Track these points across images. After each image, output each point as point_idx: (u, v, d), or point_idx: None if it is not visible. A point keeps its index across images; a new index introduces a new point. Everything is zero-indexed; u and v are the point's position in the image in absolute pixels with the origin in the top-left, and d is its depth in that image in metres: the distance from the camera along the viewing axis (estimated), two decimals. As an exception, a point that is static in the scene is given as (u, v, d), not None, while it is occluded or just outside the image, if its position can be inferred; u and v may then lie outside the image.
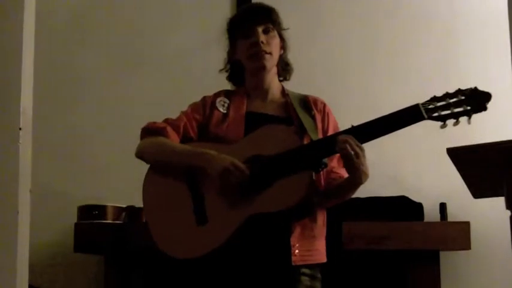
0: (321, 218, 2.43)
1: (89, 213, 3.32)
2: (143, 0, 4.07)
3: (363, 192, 3.34)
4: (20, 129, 1.83)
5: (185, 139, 2.46)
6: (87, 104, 3.94)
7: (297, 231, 2.32)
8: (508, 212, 2.49)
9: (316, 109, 2.53)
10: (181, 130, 2.46)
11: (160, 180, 2.41)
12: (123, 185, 3.75)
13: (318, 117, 2.50)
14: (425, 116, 2.18)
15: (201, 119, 2.49)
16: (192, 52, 3.98)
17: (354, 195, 3.22)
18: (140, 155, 2.47)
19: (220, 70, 2.66)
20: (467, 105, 2.15)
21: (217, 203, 2.27)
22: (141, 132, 2.51)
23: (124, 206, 3.35)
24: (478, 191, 2.88)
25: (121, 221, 3.29)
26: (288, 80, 2.63)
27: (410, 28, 4.01)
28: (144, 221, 3.34)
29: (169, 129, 2.45)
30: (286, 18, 3.95)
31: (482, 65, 3.90)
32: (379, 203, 3.42)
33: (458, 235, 3.20)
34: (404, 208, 3.37)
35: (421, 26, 4.01)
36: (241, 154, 2.29)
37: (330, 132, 2.48)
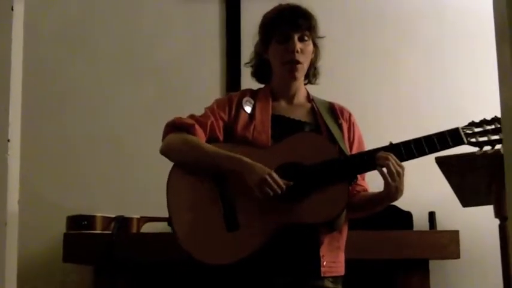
0: (345, 230, 2.44)
1: (78, 223, 3.30)
2: (134, 10, 4.06)
3: (352, 201, 3.37)
4: (9, 140, 1.82)
5: (211, 138, 2.41)
6: (76, 114, 3.93)
7: (325, 243, 2.31)
8: (497, 221, 2.50)
9: (343, 118, 2.52)
10: (208, 129, 2.40)
11: (188, 181, 2.35)
12: (113, 195, 3.75)
13: (345, 127, 2.49)
14: (465, 141, 2.21)
15: (227, 119, 2.44)
16: (184, 61, 3.97)
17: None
18: (167, 151, 2.40)
19: (245, 64, 2.62)
20: None
21: (250, 209, 2.24)
22: (167, 127, 2.44)
23: (113, 216, 3.34)
24: (467, 199, 2.89)
25: (110, 231, 3.27)
26: (313, 83, 2.61)
27: (399, 38, 4.02)
28: (134, 231, 3.34)
29: (197, 127, 2.38)
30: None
31: (469, 76, 3.92)
32: (369, 212, 3.42)
33: (448, 244, 3.21)
34: (394, 217, 3.37)
35: (410, 36, 4.02)
36: (275, 160, 2.27)
37: (355, 143, 2.49)
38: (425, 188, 3.68)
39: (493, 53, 1.75)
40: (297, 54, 2.40)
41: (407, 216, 3.40)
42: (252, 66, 2.60)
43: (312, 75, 2.57)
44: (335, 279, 2.35)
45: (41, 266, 3.67)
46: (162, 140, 2.44)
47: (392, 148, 2.24)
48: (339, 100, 3.95)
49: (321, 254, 2.28)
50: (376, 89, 3.95)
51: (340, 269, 2.39)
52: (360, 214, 2.46)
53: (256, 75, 2.60)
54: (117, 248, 3.16)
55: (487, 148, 2.21)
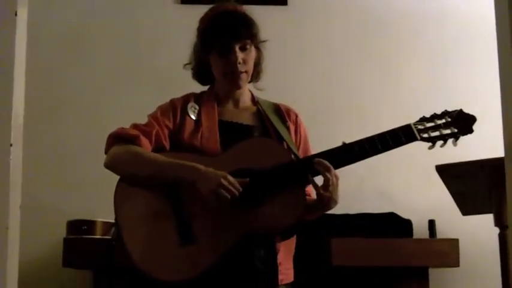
0: (295, 236, 2.35)
1: (78, 228, 3.31)
2: (134, 16, 4.08)
3: (352, 208, 3.38)
4: (11, 145, 1.82)
5: (157, 148, 2.28)
6: (77, 118, 3.94)
7: (281, 249, 2.24)
8: (497, 229, 2.51)
9: (290, 120, 2.43)
10: (153, 138, 2.28)
11: (137, 195, 2.22)
12: (113, 200, 3.74)
13: (292, 129, 2.41)
14: (418, 138, 2.18)
15: (172, 126, 2.33)
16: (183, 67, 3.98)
17: (343, 212, 3.24)
18: (112, 164, 2.29)
19: (185, 65, 2.49)
20: (455, 128, 2.17)
21: (205, 220, 2.13)
22: (110, 138, 2.32)
23: (113, 221, 3.33)
24: (467, 208, 2.90)
25: (110, 236, 3.27)
26: (255, 82, 2.48)
27: (400, 44, 4.04)
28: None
29: (142, 137, 2.26)
30: (275, 30, 3.98)
31: (470, 82, 3.94)
32: (368, 219, 3.43)
33: (447, 252, 3.21)
34: (393, 225, 3.38)
35: (411, 42, 4.04)
36: (227, 167, 2.16)
37: (301, 145, 2.41)
38: (425, 196, 3.69)
39: (494, 57, 1.75)
40: (239, 66, 2.30)
41: (407, 224, 3.41)
42: (192, 68, 2.48)
43: (254, 76, 2.45)
44: (287, 286, 2.27)
45: (41, 270, 3.67)
46: (106, 152, 2.33)
47: (345, 148, 2.17)
48: (339, 105, 4.00)
49: (279, 261, 2.22)
50: (376, 93, 3.97)
51: (291, 276, 2.30)
52: (306, 219, 2.33)
53: (198, 77, 2.50)
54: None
55: (439, 143, 2.19)
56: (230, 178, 2.11)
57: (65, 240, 3.30)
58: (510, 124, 1.64)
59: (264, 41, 2.42)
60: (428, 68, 4.01)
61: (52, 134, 3.90)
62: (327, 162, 2.14)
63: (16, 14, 1.88)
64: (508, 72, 1.62)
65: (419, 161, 3.42)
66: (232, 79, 2.33)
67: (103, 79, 3.99)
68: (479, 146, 3.36)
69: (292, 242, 2.32)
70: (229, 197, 2.09)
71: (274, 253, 2.22)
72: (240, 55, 2.30)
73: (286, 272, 2.25)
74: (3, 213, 1.79)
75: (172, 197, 2.18)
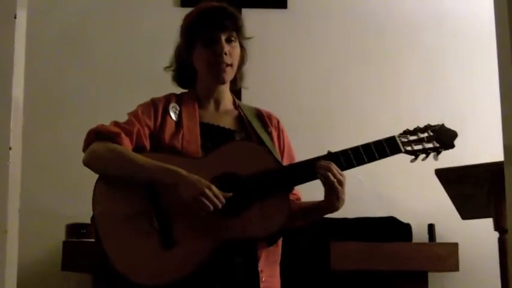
0: (280, 242, 2.31)
1: (77, 231, 3.31)
2: (132, 18, 4.08)
3: (351, 212, 3.38)
4: (10, 148, 1.82)
5: (137, 147, 2.23)
6: (76, 121, 3.93)
7: (263, 257, 2.19)
8: (496, 234, 2.50)
9: (272, 125, 2.39)
10: (134, 137, 2.23)
11: (117, 195, 2.17)
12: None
13: (274, 134, 2.37)
14: (402, 150, 2.18)
15: (153, 126, 2.28)
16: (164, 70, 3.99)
17: (342, 216, 3.24)
18: (91, 162, 2.24)
19: (166, 68, 2.49)
20: (437, 142, 2.18)
21: (187, 225, 2.08)
22: (90, 135, 2.28)
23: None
24: (467, 212, 2.90)
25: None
26: (236, 89, 2.46)
27: (399, 47, 4.05)
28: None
29: (123, 135, 2.21)
30: (275, 33, 3.99)
31: (469, 85, 3.94)
32: (368, 223, 3.42)
33: (447, 256, 3.21)
34: (393, 229, 3.38)
35: (410, 45, 4.05)
36: (210, 170, 2.12)
37: (286, 152, 2.38)
38: (424, 200, 3.69)
39: (492, 61, 1.75)
40: (225, 57, 2.25)
41: (406, 228, 3.40)
42: (173, 70, 2.46)
43: (238, 79, 2.42)
44: None
45: (40, 273, 3.67)
46: (84, 149, 2.28)
47: (330, 157, 2.15)
48: (338, 107, 4.00)
49: (259, 269, 2.16)
50: (376, 96, 3.97)
51: (276, 283, 2.26)
52: (298, 223, 2.31)
53: (178, 79, 2.46)
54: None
55: (422, 156, 2.19)
56: (214, 189, 2.06)
57: (64, 243, 3.30)
58: (509, 127, 1.64)
59: (249, 38, 2.39)
60: (428, 71, 4.02)
61: (51, 136, 3.90)
62: (327, 162, 2.12)
63: (15, 17, 1.88)
64: (508, 75, 1.62)
65: (419, 164, 3.41)
66: (217, 72, 2.29)
67: (102, 82, 3.99)
68: (479, 149, 3.36)
69: (276, 249, 2.28)
70: (211, 208, 2.04)
71: (254, 260, 2.17)
72: (226, 46, 2.27)
73: (269, 280, 2.20)
74: (2, 217, 1.79)
75: (152, 199, 2.13)
